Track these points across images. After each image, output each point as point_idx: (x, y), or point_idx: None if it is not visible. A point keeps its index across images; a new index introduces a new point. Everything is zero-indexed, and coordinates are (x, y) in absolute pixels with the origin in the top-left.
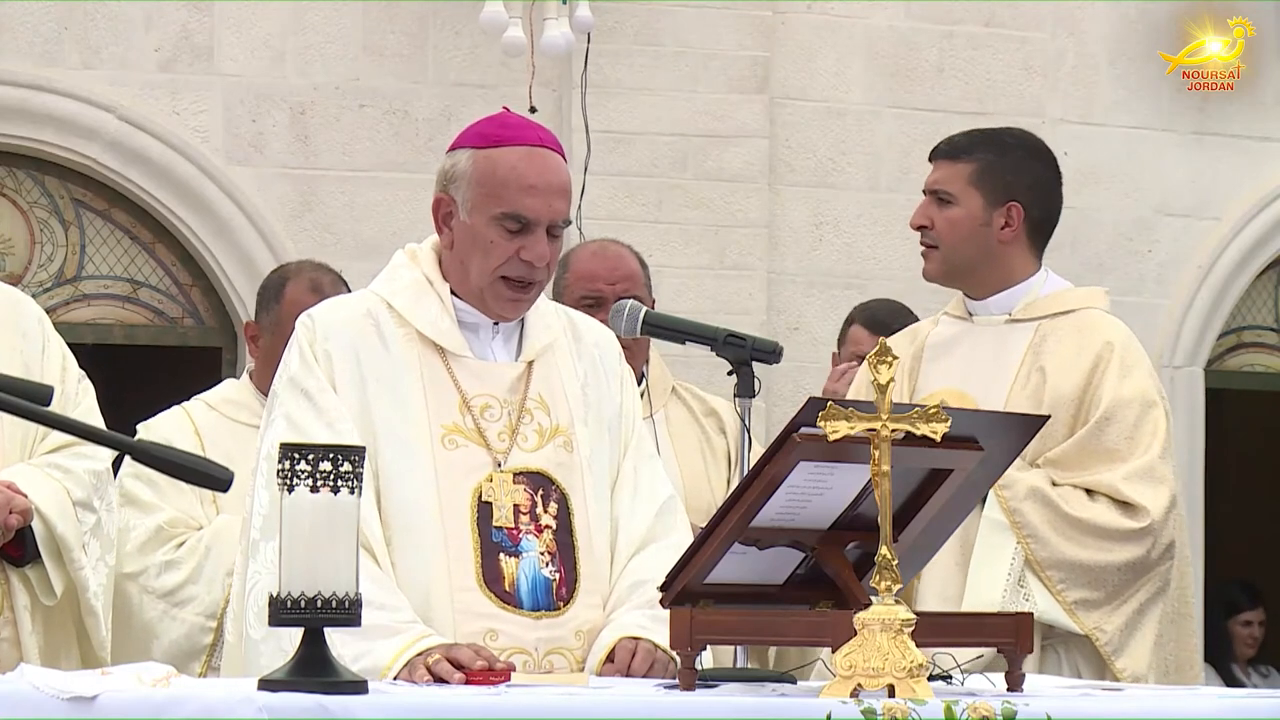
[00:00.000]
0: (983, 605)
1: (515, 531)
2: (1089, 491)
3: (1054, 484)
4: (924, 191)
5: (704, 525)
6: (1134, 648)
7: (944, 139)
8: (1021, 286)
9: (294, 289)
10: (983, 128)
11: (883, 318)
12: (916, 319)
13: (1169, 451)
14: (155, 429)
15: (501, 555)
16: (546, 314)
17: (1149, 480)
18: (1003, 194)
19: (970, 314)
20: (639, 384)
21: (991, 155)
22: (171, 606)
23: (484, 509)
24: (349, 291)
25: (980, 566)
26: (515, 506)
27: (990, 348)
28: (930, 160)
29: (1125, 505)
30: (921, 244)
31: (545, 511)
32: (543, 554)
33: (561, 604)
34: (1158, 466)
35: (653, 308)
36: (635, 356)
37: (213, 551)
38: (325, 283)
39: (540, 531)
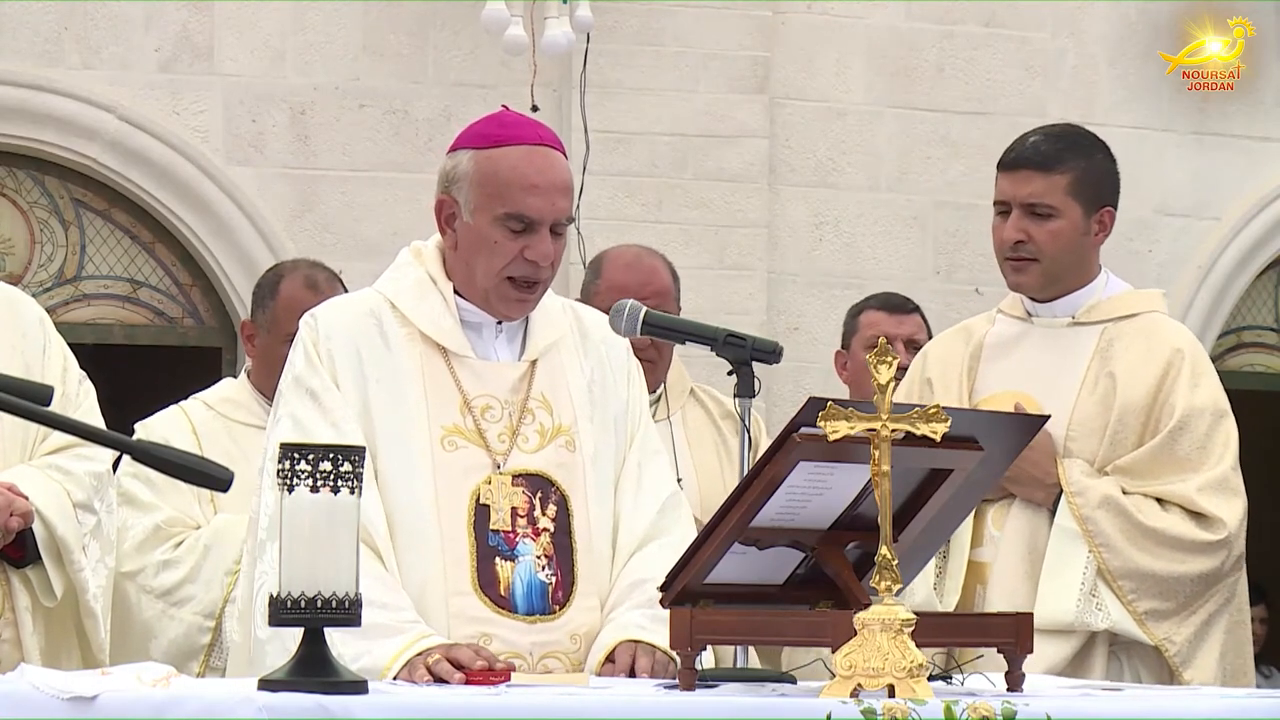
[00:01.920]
0: (1056, 615)
1: (512, 535)
2: (1160, 501)
3: (1124, 492)
4: (1015, 204)
5: None
6: (1201, 658)
7: (1024, 149)
8: (1087, 289)
9: (289, 286)
10: (1050, 130)
11: (897, 300)
12: (918, 306)
13: (1238, 461)
14: (153, 428)
15: (497, 559)
16: (551, 311)
17: (1223, 492)
18: (1095, 200)
19: (1029, 314)
20: (657, 389)
21: (1082, 162)
22: (169, 606)
23: (481, 512)
24: (344, 289)
25: (1052, 576)
26: (513, 509)
27: (1053, 350)
28: (1009, 169)
29: (1200, 517)
30: (1015, 258)
31: (543, 514)
32: (539, 557)
33: (557, 607)
34: (1231, 478)
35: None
36: (659, 368)
37: (211, 551)
38: (321, 280)
39: (537, 535)
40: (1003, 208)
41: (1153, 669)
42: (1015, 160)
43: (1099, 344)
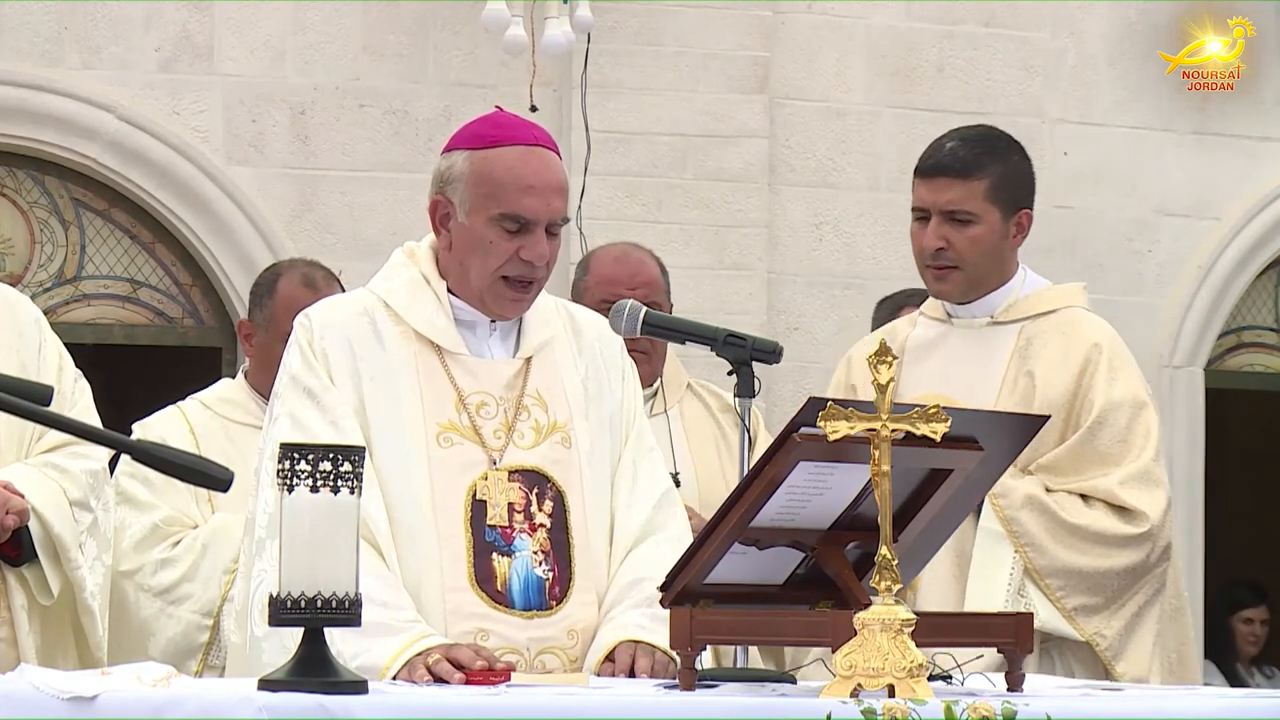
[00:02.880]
0: None
1: (509, 530)
2: (1084, 497)
3: (1048, 490)
4: (934, 211)
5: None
6: (1133, 650)
7: (941, 155)
8: (1005, 288)
9: (286, 284)
10: (966, 133)
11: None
12: None
13: (1161, 452)
14: (151, 428)
15: (494, 555)
16: (545, 310)
17: (1145, 484)
18: (1013, 203)
19: (949, 315)
20: (654, 382)
21: (1000, 166)
22: (168, 604)
23: (478, 507)
24: (341, 287)
25: (979, 577)
26: (510, 505)
27: (972, 351)
28: (927, 176)
29: (1123, 510)
30: (936, 265)
31: (540, 510)
32: (536, 553)
33: (554, 603)
34: (1153, 469)
35: (670, 313)
36: (653, 361)
37: (209, 549)
38: (318, 277)
39: (534, 530)
40: (921, 214)
41: (1086, 664)
42: (933, 167)
43: (1017, 343)
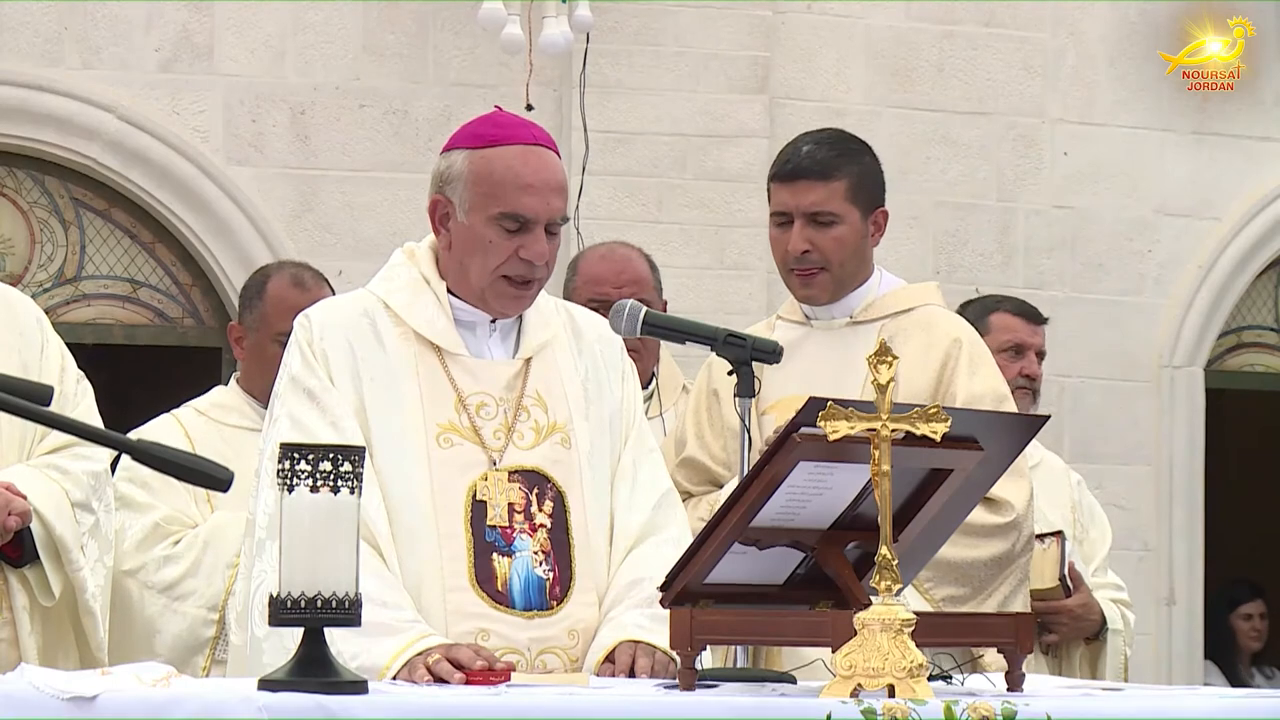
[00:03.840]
0: None
1: (509, 530)
2: None
3: None
4: (797, 214)
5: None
6: None
7: (800, 158)
8: (863, 288)
9: (276, 285)
10: (819, 136)
11: (1031, 308)
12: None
13: None
14: (147, 435)
15: (494, 555)
16: (545, 310)
17: (1010, 475)
18: (870, 202)
19: (808, 318)
20: (649, 384)
21: (855, 166)
22: (172, 601)
23: (478, 508)
24: (331, 288)
25: None
26: (510, 505)
27: (833, 351)
28: (787, 180)
29: (988, 501)
30: (801, 269)
31: (540, 510)
32: (536, 553)
33: (555, 603)
34: (1015, 461)
35: (664, 310)
36: (645, 359)
37: (210, 545)
38: (307, 278)
39: (534, 530)
40: (782, 219)
41: (956, 652)
42: (793, 171)
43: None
